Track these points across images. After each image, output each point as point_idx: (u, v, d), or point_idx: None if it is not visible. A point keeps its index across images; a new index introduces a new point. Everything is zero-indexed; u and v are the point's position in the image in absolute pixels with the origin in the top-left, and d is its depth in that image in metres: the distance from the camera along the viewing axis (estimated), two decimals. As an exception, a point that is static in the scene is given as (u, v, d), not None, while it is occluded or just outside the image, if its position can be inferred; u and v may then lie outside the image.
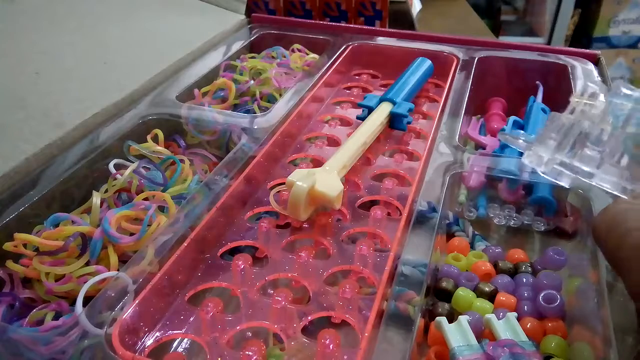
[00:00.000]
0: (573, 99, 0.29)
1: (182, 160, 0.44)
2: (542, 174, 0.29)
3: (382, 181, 0.42)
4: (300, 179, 0.37)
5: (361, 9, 0.82)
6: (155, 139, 0.47)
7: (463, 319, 0.32)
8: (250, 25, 0.71)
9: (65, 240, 0.35)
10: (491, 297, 0.37)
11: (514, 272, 0.39)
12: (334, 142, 0.50)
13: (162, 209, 0.40)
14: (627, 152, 0.26)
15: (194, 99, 0.54)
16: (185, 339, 0.33)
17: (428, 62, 0.58)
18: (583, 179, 0.28)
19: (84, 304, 0.30)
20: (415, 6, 0.99)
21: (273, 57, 0.63)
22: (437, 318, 0.33)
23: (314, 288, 0.34)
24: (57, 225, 0.37)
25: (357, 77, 0.63)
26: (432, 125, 0.49)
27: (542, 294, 0.35)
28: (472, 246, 0.43)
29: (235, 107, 0.55)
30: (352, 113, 0.54)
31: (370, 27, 0.68)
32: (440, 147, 0.45)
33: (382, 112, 0.49)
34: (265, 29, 0.69)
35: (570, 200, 0.42)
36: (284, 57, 0.62)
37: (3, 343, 0.29)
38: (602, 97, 0.28)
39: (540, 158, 0.29)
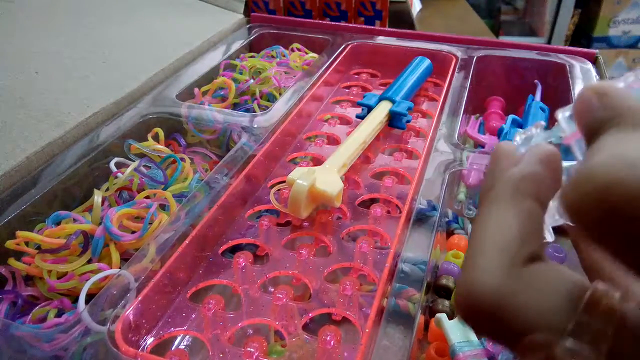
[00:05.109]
0: None
1: (182, 159, 0.44)
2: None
3: (381, 179, 0.43)
4: (301, 177, 0.37)
5: (361, 9, 0.82)
6: (155, 138, 0.47)
7: (463, 315, 0.32)
8: (250, 25, 0.71)
9: (67, 238, 0.35)
10: (491, 294, 0.37)
11: (513, 270, 0.39)
12: (334, 141, 0.50)
13: (163, 207, 0.40)
14: None
15: (194, 98, 0.54)
16: (187, 336, 0.34)
17: (427, 61, 0.58)
18: None
19: (86, 302, 0.31)
20: (415, 6, 0.99)
21: (272, 56, 0.64)
22: (437, 315, 0.33)
23: (314, 285, 0.34)
24: (58, 224, 0.37)
25: (356, 76, 0.63)
26: (432, 123, 0.49)
27: (541, 291, 0.36)
28: (471, 244, 0.43)
29: (235, 106, 0.55)
30: (352, 112, 0.54)
31: (370, 27, 0.68)
32: (439, 145, 0.45)
33: (381, 111, 0.49)
34: (265, 29, 0.69)
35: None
36: (284, 56, 0.63)
37: (6, 340, 0.29)
38: None
39: None
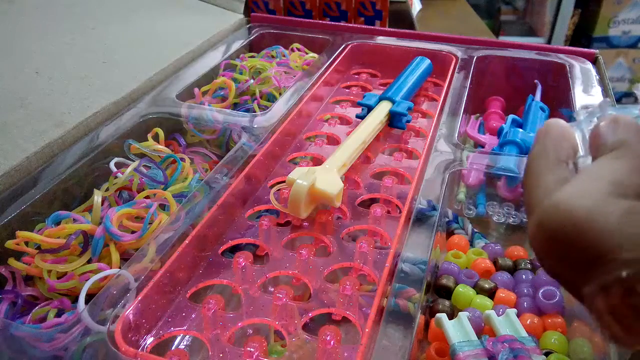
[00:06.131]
0: None
1: (182, 159, 0.44)
2: None
3: (381, 179, 0.43)
4: (301, 177, 0.37)
5: (361, 9, 0.82)
6: (155, 138, 0.47)
7: (463, 315, 0.32)
8: (250, 25, 0.71)
9: (67, 238, 0.35)
10: (491, 293, 0.37)
11: (513, 269, 0.39)
12: (334, 141, 0.50)
13: (163, 207, 0.40)
14: None
15: (194, 98, 0.54)
16: (187, 336, 0.34)
17: (427, 61, 0.58)
18: None
19: (86, 302, 0.31)
20: (415, 6, 0.99)
21: (272, 56, 0.64)
22: (438, 315, 0.33)
23: (314, 285, 0.34)
24: (58, 223, 0.37)
25: (356, 76, 0.63)
26: (432, 123, 0.49)
27: (541, 291, 0.36)
28: (471, 244, 0.43)
29: (235, 106, 0.55)
30: (352, 112, 0.54)
31: (370, 27, 0.68)
32: (439, 145, 0.45)
33: (381, 111, 0.49)
34: (265, 29, 0.69)
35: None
36: (284, 56, 0.63)
37: (6, 340, 0.29)
38: None
39: None
